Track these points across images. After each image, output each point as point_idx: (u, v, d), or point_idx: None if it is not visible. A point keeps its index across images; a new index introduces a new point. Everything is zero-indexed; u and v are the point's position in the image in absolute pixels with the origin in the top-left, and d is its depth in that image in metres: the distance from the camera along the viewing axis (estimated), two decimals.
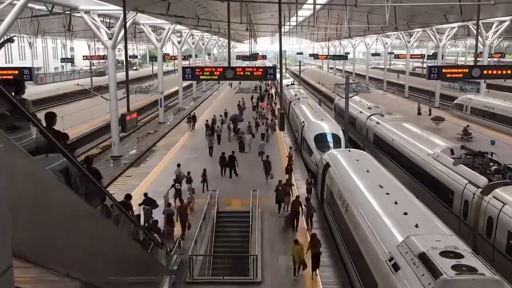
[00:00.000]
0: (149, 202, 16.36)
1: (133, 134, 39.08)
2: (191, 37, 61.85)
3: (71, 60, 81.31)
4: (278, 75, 27.79)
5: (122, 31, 24.80)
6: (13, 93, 5.20)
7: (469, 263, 8.89)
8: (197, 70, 20.99)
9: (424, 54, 78.82)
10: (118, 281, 7.36)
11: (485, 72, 21.61)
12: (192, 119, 36.71)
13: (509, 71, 21.83)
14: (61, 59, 79.35)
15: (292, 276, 13.51)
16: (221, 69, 20.73)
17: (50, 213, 4.21)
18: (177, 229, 16.23)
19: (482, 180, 15.21)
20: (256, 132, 31.93)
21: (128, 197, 13.73)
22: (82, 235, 5.22)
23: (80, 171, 5.73)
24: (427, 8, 41.83)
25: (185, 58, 67.77)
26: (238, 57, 71.95)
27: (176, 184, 19.30)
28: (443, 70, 21.91)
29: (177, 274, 13.53)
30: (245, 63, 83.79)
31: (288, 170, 22.25)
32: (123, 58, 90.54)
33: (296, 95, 44.04)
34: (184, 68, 21.23)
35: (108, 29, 31.84)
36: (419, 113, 41.62)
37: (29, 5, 26.85)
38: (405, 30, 58.54)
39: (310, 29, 71.45)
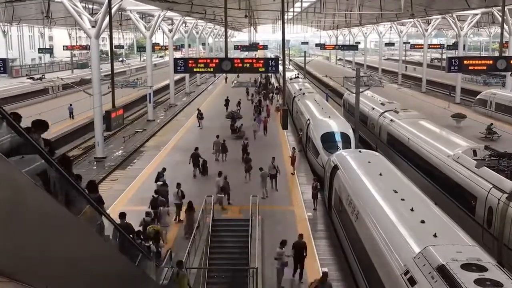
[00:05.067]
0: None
1: (119, 133, 39.09)
2: (184, 25, 61.86)
3: (49, 51, 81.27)
4: (280, 67, 27.78)
5: (107, 19, 24.85)
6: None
7: (493, 277, 8.88)
8: (190, 61, 21.00)
9: (444, 44, 78.92)
10: None
11: None
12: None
13: None
14: (39, 49, 79.31)
15: None
16: (217, 61, 20.75)
17: (26, 222, 4.20)
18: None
19: (508, 185, 15.20)
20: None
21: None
22: (62, 246, 5.21)
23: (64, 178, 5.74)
24: None
25: (177, 48, 67.79)
26: (236, 47, 72.00)
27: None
28: (465, 62, 21.95)
29: None
30: (244, 54, 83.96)
31: None
32: (107, 48, 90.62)
33: (300, 89, 44.07)
34: (175, 60, 21.23)
35: (91, 16, 31.82)
36: None
37: None
38: (422, 17, 58.57)
39: (317, 16, 71.49)
